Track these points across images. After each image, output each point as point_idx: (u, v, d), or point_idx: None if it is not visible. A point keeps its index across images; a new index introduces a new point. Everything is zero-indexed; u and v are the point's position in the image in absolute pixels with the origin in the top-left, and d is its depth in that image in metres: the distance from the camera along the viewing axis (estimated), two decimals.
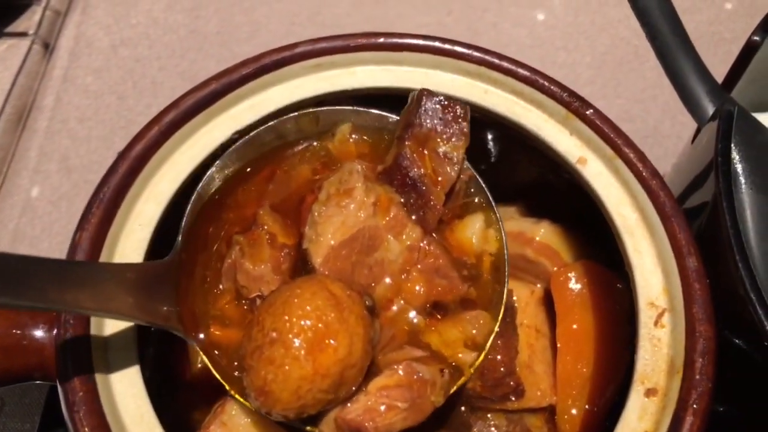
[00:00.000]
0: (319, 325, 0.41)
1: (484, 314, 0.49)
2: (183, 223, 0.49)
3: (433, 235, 0.50)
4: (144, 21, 1.03)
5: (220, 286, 0.49)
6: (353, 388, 0.43)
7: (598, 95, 0.94)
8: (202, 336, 0.47)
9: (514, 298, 0.57)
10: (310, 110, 0.55)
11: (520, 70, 0.57)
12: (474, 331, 0.48)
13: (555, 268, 0.58)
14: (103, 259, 0.48)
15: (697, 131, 0.59)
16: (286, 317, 0.41)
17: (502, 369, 0.54)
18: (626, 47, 1.00)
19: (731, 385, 0.48)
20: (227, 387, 0.46)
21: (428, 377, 0.44)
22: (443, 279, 0.48)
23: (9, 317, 0.45)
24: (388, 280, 0.48)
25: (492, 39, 1.01)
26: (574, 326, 0.55)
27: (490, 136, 0.62)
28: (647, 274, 0.50)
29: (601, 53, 1.00)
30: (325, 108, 0.55)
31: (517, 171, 0.62)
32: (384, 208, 0.49)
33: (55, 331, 0.45)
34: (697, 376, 0.45)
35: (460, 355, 0.47)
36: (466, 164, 0.52)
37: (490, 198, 0.53)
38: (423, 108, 0.51)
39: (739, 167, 0.50)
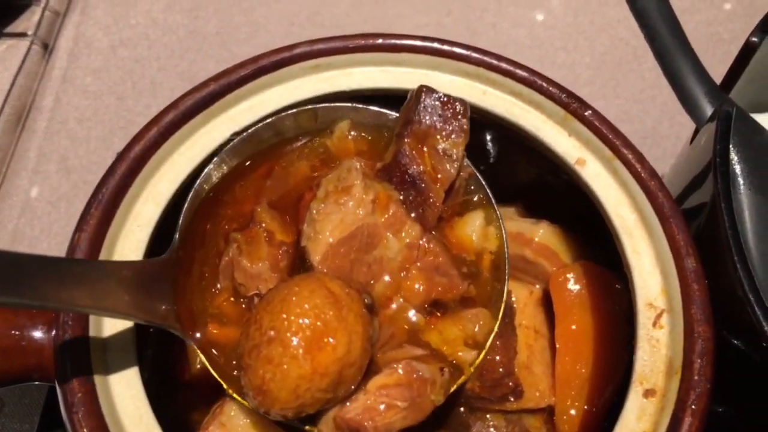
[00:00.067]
0: (318, 323, 0.41)
1: (485, 312, 0.49)
2: (180, 220, 0.49)
3: (433, 232, 0.50)
4: (143, 21, 1.03)
5: (218, 285, 0.49)
6: (352, 387, 0.43)
7: (597, 96, 0.95)
8: (199, 335, 0.47)
9: (513, 298, 0.57)
10: (309, 107, 0.55)
11: (519, 71, 0.58)
12: (474, 330, 0.48)
13: (554, 269, 0.58)
14: (101, 259, 0.48)
15: (696, 132, 0.59)
16: (285, 315, 0.41)
17: (500, 369, 0.54)
18: (625, 48, 1.00)
19: (730, 385, 0.48)
20: (225, 386, 0.45)
21: (428, 376, 0.44)
22: (443, 277, 0.48)
23: (7, 318, 0.45)
24: (387, 278, 0.48)
25: (491, 39, 1.01)
26: (573, 327, 0.55)
27: (488, 137, 0.62)
28: (646, 275, 0.50)
29: (600, 54, 1.00)
30: (323, 105, 0.55)
31: (516, 172, 0.62)
32: (383, 205, 0.49)
33: (53, 332, 0.45)
34: (696, 377, 0.45)
35: (460, 354, 0.47)
36: (466, 161, 0.52)
37: (490, 195, 0.53)
38: (422, 105, 0.51)
39: (737, 168, 0.50)
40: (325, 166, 0.53)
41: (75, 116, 0.94)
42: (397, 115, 0.53)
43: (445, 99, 0.51)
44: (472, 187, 0.53)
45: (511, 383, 0.54)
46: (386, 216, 0.48)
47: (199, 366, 0.56)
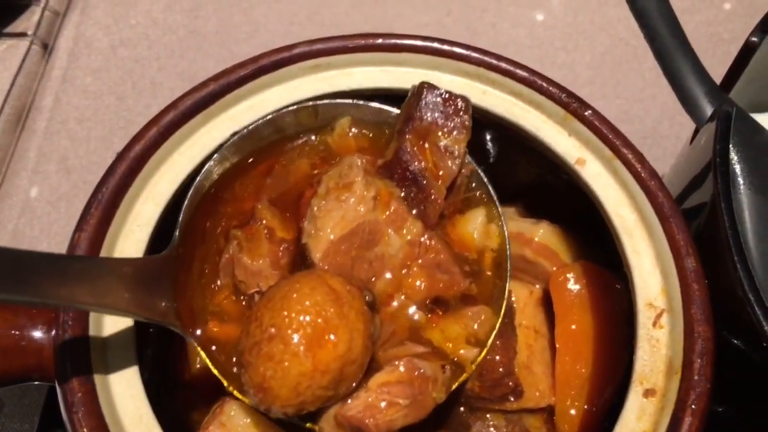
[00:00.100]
0: (319, 320, 0.41)
1: (486, 310, 0.49)
2: (180, 217, 0.49)
3: (434, 230, 0.50)
4: (143, 21, 1.03)
5: (218, 282, 0.49)
6: (353, 385, 0.43)
7: (597, 95, 0.94)
8: (199, 332, 0.47)
9: (513, 298, 0.57)
10: (309, 103, 0.55)
11: (519, 71, 0.57)
12: (476, 327, 0.48)
13: (554, 269, 0.58)
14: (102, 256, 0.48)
15: (696, 132, 0.59)
16: (285, 312, 0.41)
17: (500, 369, 0.54)
18: (625, 47, 1.00)
19: (730, 385, 0.48)
20: (226, 384, 0.45)
21: (430, 373, 0.44)
22: (444, 274, 0.48)
23: (7, 318, 0.45)
24: (388, 275, 0.48)
25: (491, 39, 1.01)
26: (573, 327, 0.55)
27: (488, 137, 0.62)
28: (646, 275, 0.50)
29: (600, 53, 1.00)
30: (324, 102, 0.55)
31: (516, 172, 0.62)
32: (384, 202, 0.48)
33: (53, 332, 0.45)
34: (696, 377, 0.45)
35: (461, 352, 0.47)
36: (468, 158, 0.52)
37: (492, 192, 0.53)
38: (424, 101, 0.51)
39: (737, 168, 0.50)
40: (325, 164, 0.53)
41: (75, 116, 0.94)
42: (398, 111, 0.53)
43: (447, 95, 0.51)
44: (474, 184, 0.53)
45: (511, 383, 0.54)
46: (387, 213, 0.48)
47: (198, 366, 0.56)
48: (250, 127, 0.53)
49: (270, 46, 0.58)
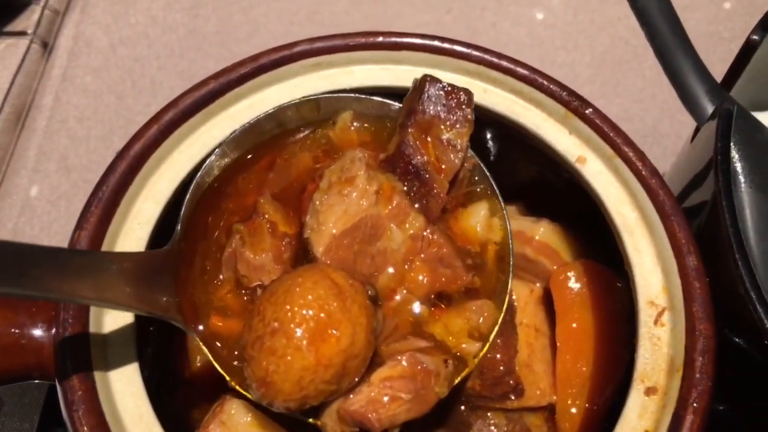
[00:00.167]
0: (321, 314, 0.41)
1: (489, 303, 0.48)
2: (182, 212, 0.48)
3: (437, 224, 0.49)
4: (143, 20, 1.03)
5: (220, 276, 0.49)
6: (356, 379, 0.43)
7: (597, 94, 0.94)
8: (201, 327, 0.47)
9: (514, 297, 0.57)
10: (311, 97, 0.55)
11: (520, 69, 0.57)
12: (479, 321, 0.47)
13: (554, 267, 0.58)
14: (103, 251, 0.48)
15: (697, 130, 0.59)
16: (288, 307, 0.41)
17: (501, 368, 0.54)
18: (625, 46, 1.00)
19: (731, 383, 0.48)
20: (228, 378, 0.45)
21: (432, 368, 0.44)
22: (447, 268, 0.48)
23: (7, 316, 0.45)
24: (390, 269, 0.48)
25: (491, 38, 1.01)
26: (574, 325, 0.55)
27: (489, 135, 0.62)
28: (647, 273, 0.50)
29: (601, 52, 0.99)
30: (326, 95, 0.55)
31: (517, 170, 0.62)
32: (386, 196, 0.48)
33: (53, 330, 0.45)
34: (697, 375, 0.45)
35: (464, 346, 0.47)
36: (470, 152, 0.52)
37: (495, 186, 0.52)
38: (426, 94, 0.51)
39: (738, 166, 0.50)
40: (327, 158, 0.53)
41: (75, 115, 0.94)
42: (400, 105, 0.53)
43: (450, 88, 0.51)
44: (476, 178, 0.53)
45: (511, 381, 0.54)
46: (390, 207, 0.48)
47: (199, 363, 0.56)
48: (252, 121, 0.53)
49: (270, 46, 0.58)
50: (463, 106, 0.51)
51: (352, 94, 0.55)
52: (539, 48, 1.00)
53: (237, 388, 0.45)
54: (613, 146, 0.54)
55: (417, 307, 0.48)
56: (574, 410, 0.53)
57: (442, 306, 0.49)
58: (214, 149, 0.53)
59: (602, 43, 1.00)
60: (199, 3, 1.04)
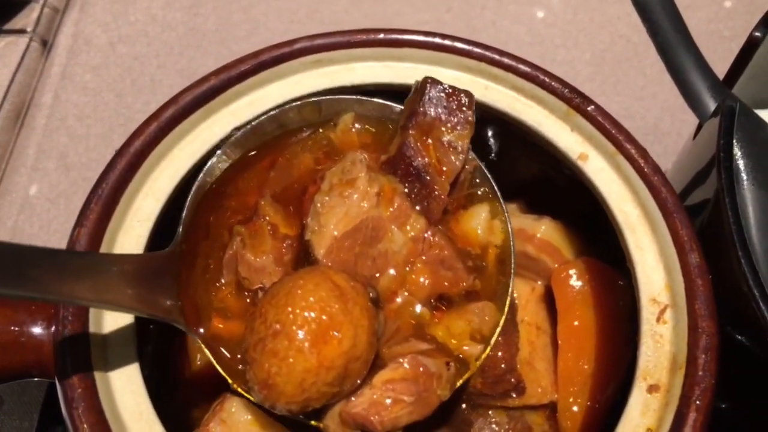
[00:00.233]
0: (323, 316, 0.41)
1: (491, 306, 0.48)
2: (184, 213, 0.48)
3: (438, 226, 0.49)
4: (142, 18, 1.03)
5: (222, 279, 0.49)
6: (358, 382, 0.43)
7: (597, 93, 0.93)
8: (203, 329, 0.47)
9: (515, 295, 0.57)
10: (313, 99, 0.55)
11: (521, 66, 0.57)
12: (481, 323, 0.47)
13: (556, 265, 0.58)
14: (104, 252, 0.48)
15: (699, 127, 0.59)
16: (290, 309, 0.41)
17: (502, 366, 0.53)
18: (626, 44, 0.99)
19: (734, 381, 0.48)
20: (230, 381, 0.45)
21: (434, 370, 0.44)
22: (448, 270, 0.48)
23: (6, 314, 0.45)
24: (392, 271, 0.48)
25: (491, 36, 1.01)
26: (576, 323, 0.55)
27: (490, 133, 0.62)
28: (649, 271, 0.50)
29: (601, 51, 0.99)
30: (327, 97, 0.55)
31: (518, 167, 0.62)
32: (388, 198, 0.48)
33: (53, 328, 0.45)
34: (700, 372, 0.44)
35: (466, 348, 0.47)
36: (471, 154, 0.52)
37: (496, 188, 0.52)
38: (427, 96, 0.51)
39: (741, 163, 0.50)
40: (328, 159, 0.53)
41: (74, 113, 0.94)
42: (402, 107, 0.53)
43: (450, 90, 0.51)
44: (477, 180, 0.53)
45: (513, 379, 0.53)
46: (391, 209, 0.48)
47: (199, 362, 0.55)
48: (254, 123, 0.53)
49: (269, 45, 0.57)
50: (464, 108, 0.51)
51: (354, 96, 0.55)
52: (539, 46, 1.00)
53: (239, 390, 0.45)
54: (615, 143, 0.54)
55: (418, 309, 0.48)
56: (575, 408, 0.53)
57: (444, 308, 0.49)
58: (214, 150, 0.53)
59: (602, 41, 1.00)
60: (198, 1, 1.04)
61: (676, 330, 0.47)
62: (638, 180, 0.52)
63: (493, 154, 0.62)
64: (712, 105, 0.54)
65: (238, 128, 0.54)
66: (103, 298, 0.40)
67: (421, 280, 0.48)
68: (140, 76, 0.97)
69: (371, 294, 0.45)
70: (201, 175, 0.50)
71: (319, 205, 0.48)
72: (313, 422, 0.44)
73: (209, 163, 0.51)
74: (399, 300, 0.48)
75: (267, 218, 0.49)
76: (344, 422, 0.42)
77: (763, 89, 0.61)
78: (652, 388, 0.46)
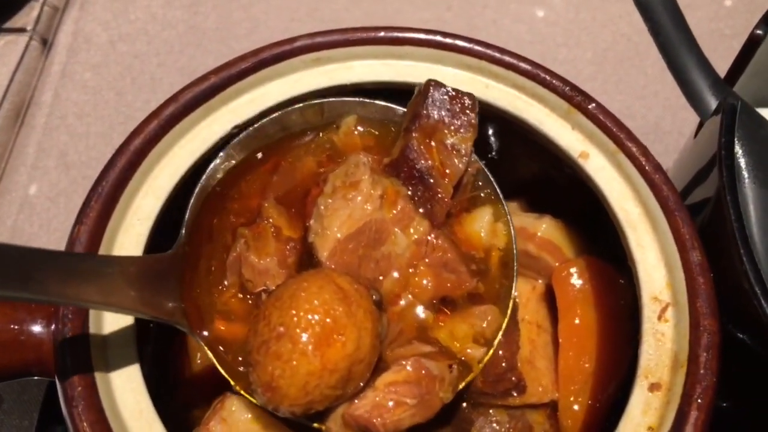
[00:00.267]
0: (327, 319, 0.41)
1: (494, 309, 0.48)
2: (186, 216, 0.48)
3: (441, 228, 0.49)
4: (142, 17, 1.03)
5: (225, 281, 0.49)
6: (361, 384, 0.43)
7: (599, 92, 0.93)
8: (206, 332, 0.46)
9: (516, 293, 0.57)
10: (315, 101, 0.55)
11: (522, 65, 0.57)
12: (483, 326, 0.47)
13: (557, 264, 0.58)
14: (101, 254, 0.48)
15: (700, 126, 0.58)
16: (294, 311, 0.41)
17: (503, 364, 0.53)
18: (627, 43, 0.99)
19: (736, 379, 0.48)
20: (233, 383, 0.45)
21: (437, 373, 0.44)
22: (451, 273, 0.48)
23: (6, 313, 0.45)
24: (395, 274, 0.48)
25: (492, 35, 1.01)
26: (576, 321, 0.55)
27: (491, 131, 0.61)
28: (650, 269, 0.50)
29: (602, 50, 0.99)
30: (330, 99, 0.55)
31: (519, 166, 0.61)
32: (391, 201, 0.48)
33: (53, 327, 0.45)
34: (702, 371, 0.44)
35: (468, 351, 0.47)
36: (474, 156, 0.52)
37: (498, 191, 0.52)
38: (430, 99, 0.50)
39: (742, 161, 0.50)
40: (331, 162, 0.53)
41: (74, 112, 0.94)
42: (405, 110, 0.53)
43: (454, 93, 0.51)
44: (480, 183, 0.53)
45: (513, 378, 0.53)
46: (394, 211, 0.48)
47: (199, 362, 0.55)
48: (256, 125, 0.53)
49: (269, 43, 0.57)
50: (467, 111, 0.51)
51: (357, 98, 0.55)
52: (540, 45, 1.00)
53: (242, 392, 0.45)
54: (617, 141, 0.54)
55: (421, 312, 0.48)
56: (576, 407, 0.53)
57: (447, 311, 0.49)
58: (214, 150, 0.53)
59: (604, 40, 1.00)
60: (198, 0, 1.04)
61: (677, 328, 0.47)
62: (639, 178, 0.52)
63: (493, 153, 0.62)
64: (713, 103, 0.54)
65: (238, 126, 0.54)
66: (107, 301, 0.40)
67: (424, 282, 0.48)
68: (140, 74, 0.97)
69: (374, 297, 0.45)
70: (203, 177, 0.50)
71: (322, 207, 0.48)
72: (315, 424, 0.44)
73: (211, 166, 0.51)
74: (402, 303, 0.48)
75: (270, 221, 0.49)
76: (347, 424, 0.42)
77: (764, 87, 0.61)
78: (653, 387, 0.45)
